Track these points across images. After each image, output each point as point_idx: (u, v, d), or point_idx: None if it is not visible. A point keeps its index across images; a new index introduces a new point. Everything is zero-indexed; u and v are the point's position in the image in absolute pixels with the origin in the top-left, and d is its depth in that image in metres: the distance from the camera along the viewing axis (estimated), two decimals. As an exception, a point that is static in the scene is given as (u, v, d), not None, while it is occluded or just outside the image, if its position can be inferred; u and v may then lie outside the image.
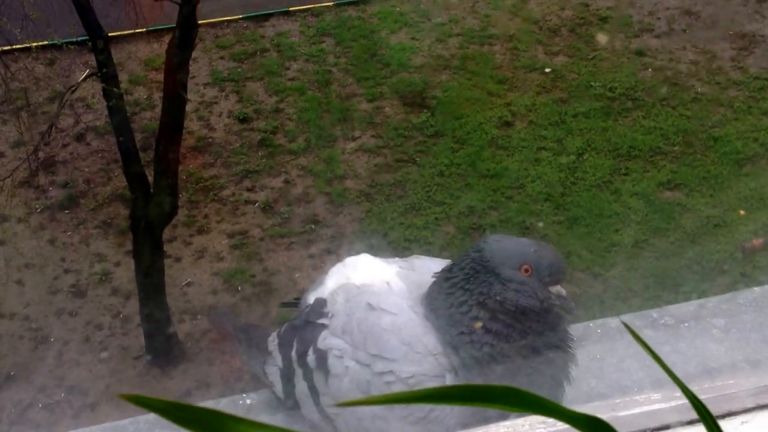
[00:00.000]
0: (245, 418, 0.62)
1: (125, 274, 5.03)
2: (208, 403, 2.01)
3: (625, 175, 5.72)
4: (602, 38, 6.74)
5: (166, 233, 4.98)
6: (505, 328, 1.62)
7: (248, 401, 2.01)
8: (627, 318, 2.25)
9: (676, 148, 5.94)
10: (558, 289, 1.64)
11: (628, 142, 6.03)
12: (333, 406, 1.76)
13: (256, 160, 6.01)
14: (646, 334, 2.05)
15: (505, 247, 1.66)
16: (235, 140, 6.19)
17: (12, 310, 4.96)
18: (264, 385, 1.97)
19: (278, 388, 1.90)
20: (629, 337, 1.81)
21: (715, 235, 5.14)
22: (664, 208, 5.44)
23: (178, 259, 5.24)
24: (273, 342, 1.93)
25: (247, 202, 5.68)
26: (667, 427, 1.20)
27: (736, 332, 2.04)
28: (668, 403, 1.23)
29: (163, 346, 4.52)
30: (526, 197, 5.61)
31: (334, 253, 5.24)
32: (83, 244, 5.40)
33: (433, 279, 1.71)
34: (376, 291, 1.76)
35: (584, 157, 5.94)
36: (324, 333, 1.76)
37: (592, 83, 6.62)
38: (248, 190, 5.79)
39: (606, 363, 2.01)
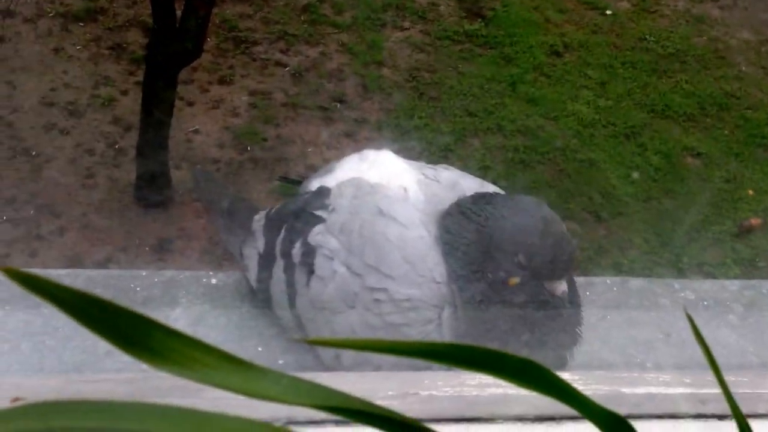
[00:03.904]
0: (180, 331, 0.42)
1: (131, 105, 4.26)
2: (168, 273, 1.67)
3: (655, 131, 5.15)
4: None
5: (184, 74, 4.24)
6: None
7: (213, 281, 1.66)
8: (646, 282, 1.89)
9: (708, 119, 5.37)
10: (554, 286, 1.34)
11: (665, 101, 5.42)
12: (307, 314, 1.42)
13: (296, 24, 5.23)
14: (662, 303, 1.81)
15: (508, 226, 1.34)
16: (279, -2, 5.47)
17: (-5, 111, 4.23)
18: (237, 267, 1.65)
19: (252, 274, 1.57)
20: (647, 302, 1.87)
21: (720, 208, 4.70)
22: (682, 173, 4.93)
23: (190, 104, 4.48)
24: (259, 222, 1.60)
25: (278, 63, 4.90)
26: (675, 416, 1.03)
27: (753, 323, 1.79)
28: (676, 389, 1.08)
29: (153, 187, 3.81)
30: (557, 129, 4.97)
31: (353, 137, 4.56)
32: (91, 62, 4.58)
33: (457, 200, 1.41)
34: (391, 195, 1.43)
35: (621, 105, 5.31)
36: (319, 227, 1.44)
37: (647, 36, 5.96)
38: (281, 52, 5.00)
39: (616, 326, 1.73)
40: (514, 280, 1.34)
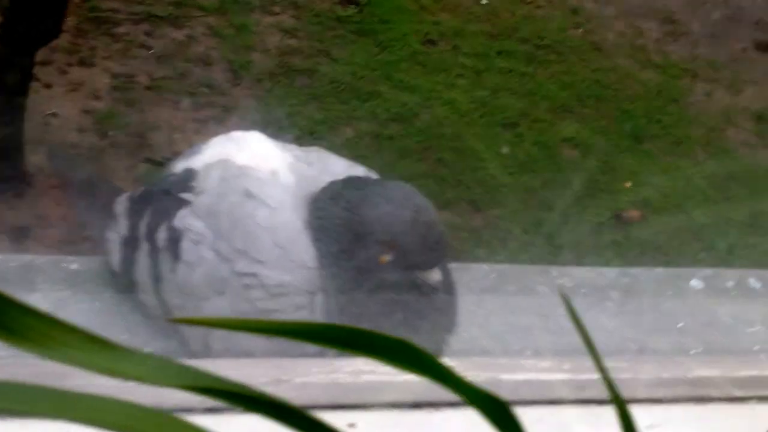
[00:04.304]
0: (39, 310, 0.42)
1: (-18, 86, 4.09)
2: (25, 257, 1.69)
3: (532, 121, 5.11)
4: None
5: (41, 55, 4.06)
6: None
7: (73, 266, 1.62)
8: (524, 269, 2.01)
9: (585, 110, 5.36)
10: (428, 275, 1.35)
11: (543, 91, 5.39)
12: (173, 300, 1.42)
13: (162, 6, 5.10)
14: (541, 291, 1.85)
15: (379, 213, 1.35)
16: (144, -22, 5.30)
17: None
18: (99, 251, 1.59)
19: (115, 258, 1.53)
20: (525, 288, 1.86)
21: (598, 199, 4.63)
22: (559, 163, 4.90)
23: (48, 86, 4.29)
24: (122, 205, 1.55)
25: (142, 46, 4.73)
26: (555, 402, 1.09)
27: (631, 310, 1.86)
28: (555, 375, 1.13)
29: (6, 172, 3.66)
30: (432, 118, 4.93)
31: (222, 123, 4.41)
32: (-59, 40, 4.40)
33: (328, 183, 1.40)
34: (260, 177, 1.43)
35: (498, 95, 5.27)
36: (185, 211, 1.42)
37: (522, 27, 5.95)
38: (146, 34, 4.87)
39: (493, 313, 1.75)
40: (385, 258, 1.34)
